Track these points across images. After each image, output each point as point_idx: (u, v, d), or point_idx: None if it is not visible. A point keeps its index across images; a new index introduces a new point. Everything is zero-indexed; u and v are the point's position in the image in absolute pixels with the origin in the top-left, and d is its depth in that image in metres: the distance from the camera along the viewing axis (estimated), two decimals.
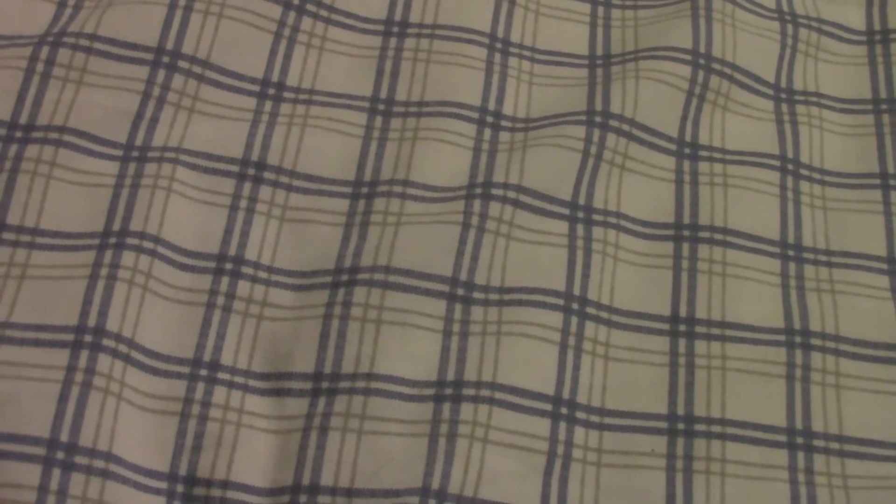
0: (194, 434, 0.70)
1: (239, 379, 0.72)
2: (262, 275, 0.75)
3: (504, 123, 0.83)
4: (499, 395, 0.71)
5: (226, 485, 0.69)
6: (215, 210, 0.77)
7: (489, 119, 0.83)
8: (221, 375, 0.72)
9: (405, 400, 0.71)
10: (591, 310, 0.76)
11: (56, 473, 0.66)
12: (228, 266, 0.75)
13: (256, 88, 0.82)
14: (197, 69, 0.81)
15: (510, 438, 0.71)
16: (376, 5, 0.87)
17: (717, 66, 0.86)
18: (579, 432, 0.72)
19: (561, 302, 0.75)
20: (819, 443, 0.73)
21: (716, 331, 0.76)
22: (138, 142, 0.78)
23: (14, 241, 0.73)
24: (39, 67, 0.79)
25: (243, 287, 0.75)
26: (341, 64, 0.84)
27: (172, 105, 0.79)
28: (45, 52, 0.79)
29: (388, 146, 0.81)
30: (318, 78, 0.83)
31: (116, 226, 0.74)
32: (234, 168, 0.78)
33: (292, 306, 0.75)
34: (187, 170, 0.77)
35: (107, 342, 0.69)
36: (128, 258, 0.72)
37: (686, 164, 0.83)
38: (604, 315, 0.76)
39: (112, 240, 0.73)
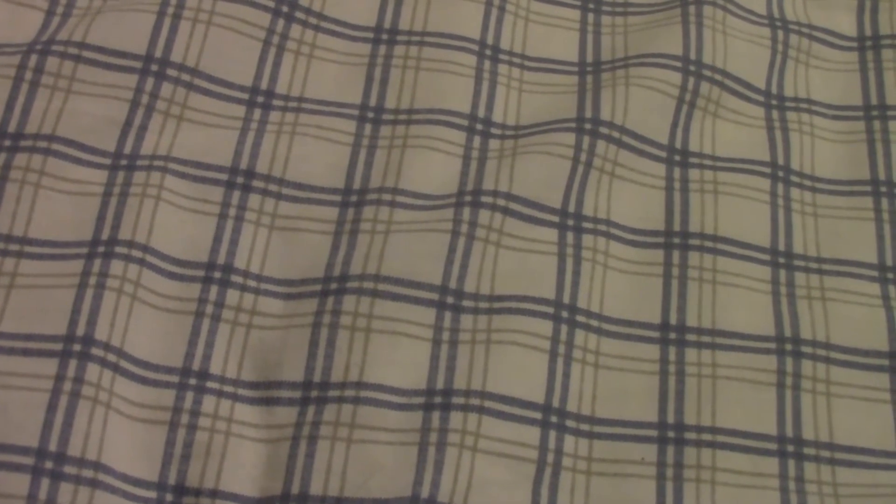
0: (183, 443, 0.70)
1: (228, 388, 0.72)
2: (252, 283, 0.75)
3: (494, 131, 0.83)
4: (488, 404, 0.71)
5: (215, 494, 0.69)
6: (204, 218, 0.77)
7: (479, 126, 0.83)
8: (210, 384, 0.72)
9: (394, 409, 0.71)
10: (580, 318, 0.76)
11: (45, 483, 0.65)
12: (217, 275, 0.75)
13: (245, 96, 0.82)
14: (186, 77, 0.81)
15: (500, 447, 0.70)
16: (365, 13, 0.87)
17: (707, 73, 0.86)
18: (569, 441, 0.72)
19: (551, 310, 0.75)
20: (810, 451, 0.73)
21: (706, 339, 0.76)
22: (127, 150, 0.78)
23: (2, 251, 0.73)
24: (28, 76, 0.79)
25: (232, 296, 0.74)
26: (330, 71, 0.84)
27: (161, 113, 0.79)
28: (33, 60, 0.79)
29: (378, 154, 0.81)
30: (307, 85, 0.83)
31: (105, 234, 0.74)
32: (223, 176, 0.78)
33: (281, 315, 0.74)
34: (176, 178, 0.77)
35: (95, 351, 0.69)
36: (116, 267, 0.72)
37: (676, 172, 0.83)
38: (594, 323, 0.76)
39: (101, 249, 0.73)
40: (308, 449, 0.69)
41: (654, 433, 0.73)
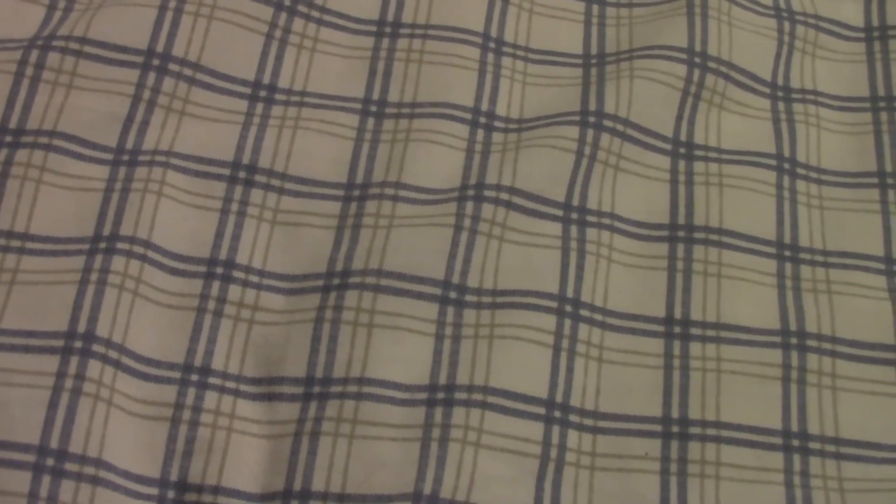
0: (185, 439, 0.70)
1: (230, 384, 0.72)
2: (254, 279, 0.75)
3: (497, 124, 0.83)
4: (491, 399, 0.71)
5: (217, 490, 0.69)
6: (206, 214, 0.76)
7: (482, 120, 0.82)
8: (212, 380, 0.72)
9: (397, 404, 0.71)
10: (584, 312, 0.75)
11: (46, 480, 0.65)
12: (219, 270, 0.75)
13: (247, 90, 0.81)
14: (187, 71, 0.80)
15: (503, 442, 0.70)
16: (368, 5, 0.87)
17: (712, 65, 0.86)
18: (573, 436, 0.72)
19: (554, 304, 0.75)
20: (815, 445, 0.73)
21: (711, 332, 0.76)
22: (129, 145, 0.77)
23: (4, 247, 0.73)
24: (29, 71, 0.79)
25: (234, 291, 0.74)
26: (333, 65, 0.84)
27: (163, 108, 0.79)
28: (34, 55, 0.79)
29: (381, 148, 0.81)
30: (309, 79, 0.83)
31: (107, 230, 0.74)
32: (226, 171, 0.78)
33: (284, 310, 0.74)
34: (178, 173, 0.77)
35: (97, 348, 0.69)
36: (118, 263, 0.72)
37: (681, 164, 0.82)
38: (597, 317, 0.76)
39: (102, 244, 0.73)
40: (310, 445, 0.69)
41: (658, 428, 0.73)
